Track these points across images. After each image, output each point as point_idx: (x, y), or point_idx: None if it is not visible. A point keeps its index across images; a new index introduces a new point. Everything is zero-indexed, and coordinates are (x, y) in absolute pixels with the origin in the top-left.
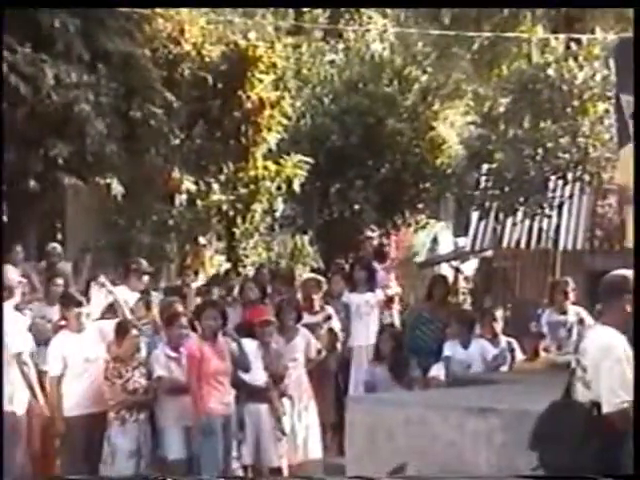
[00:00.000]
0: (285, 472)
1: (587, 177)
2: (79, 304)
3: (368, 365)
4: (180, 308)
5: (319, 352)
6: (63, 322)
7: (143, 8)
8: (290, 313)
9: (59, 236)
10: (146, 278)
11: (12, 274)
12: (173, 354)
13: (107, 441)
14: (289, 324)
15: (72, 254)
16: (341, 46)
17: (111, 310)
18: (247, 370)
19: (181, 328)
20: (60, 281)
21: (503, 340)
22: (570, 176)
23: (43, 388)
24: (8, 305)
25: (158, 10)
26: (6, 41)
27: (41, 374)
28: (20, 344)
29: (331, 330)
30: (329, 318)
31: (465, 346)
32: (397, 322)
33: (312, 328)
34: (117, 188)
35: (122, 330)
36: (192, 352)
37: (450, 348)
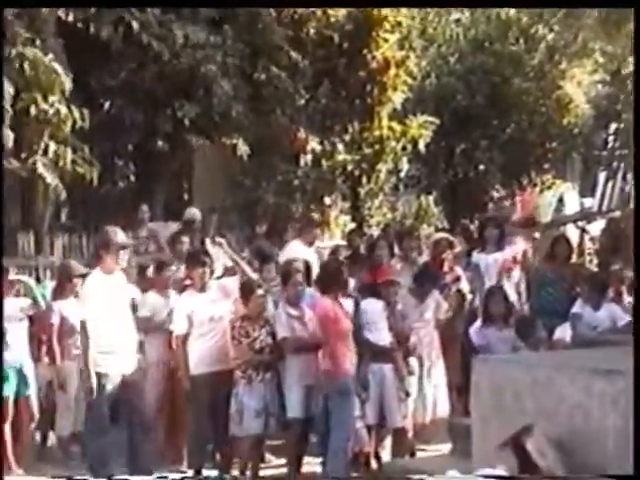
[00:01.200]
0: (410, 433)
1: None
2: (204, 264)
3: (479, 327)
4: (297, 266)
5: (446, 312)
6: (188, 281)
7: (143, 8)
8: (423, 274)
9: (186, 196)
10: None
11: (121, 235)
12: (294, 312)
13: (235, 400)
14: (420, 285)
15: (200, 213)
16: None
17: (232, 269)
18: (366, 330)
19: (297, 286)
20: (186, 239)
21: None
22: None
23: (170, 347)
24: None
25: None
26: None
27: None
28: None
29: (459, 291)
30: (458, 279)
31: (595, 309)
32: (523, 283)
33: (441, 288)
34: (243, 148)
35: (247, 289)
36: (326, 312)
37: (579, 309)
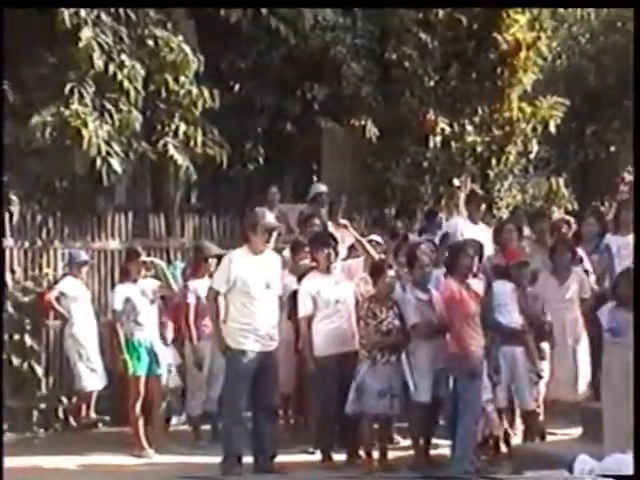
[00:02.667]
0: (541, 416)
1: None
2: (330, 246)
3: (610, 309)
4: (424, 248)
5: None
6: (313, 263)
7: (144, 8)
8: (563, 254)
9: (314, 178)
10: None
11: (270, 217)
12: (423, 296)
13: (356, 379)
14: (563, 265)
15: (328, 196)
16: None
17: (354, 251)
18: (497, 312)
19: (423, 268)
20: (317, 222)
21: None
22: None
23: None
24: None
25: None
26: None
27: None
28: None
29: (585, 272)
30: (581, 260)
31: None
32: None
33: None
34: (372, 130)
35: (377, 270)
36: (452, 294)
37: None
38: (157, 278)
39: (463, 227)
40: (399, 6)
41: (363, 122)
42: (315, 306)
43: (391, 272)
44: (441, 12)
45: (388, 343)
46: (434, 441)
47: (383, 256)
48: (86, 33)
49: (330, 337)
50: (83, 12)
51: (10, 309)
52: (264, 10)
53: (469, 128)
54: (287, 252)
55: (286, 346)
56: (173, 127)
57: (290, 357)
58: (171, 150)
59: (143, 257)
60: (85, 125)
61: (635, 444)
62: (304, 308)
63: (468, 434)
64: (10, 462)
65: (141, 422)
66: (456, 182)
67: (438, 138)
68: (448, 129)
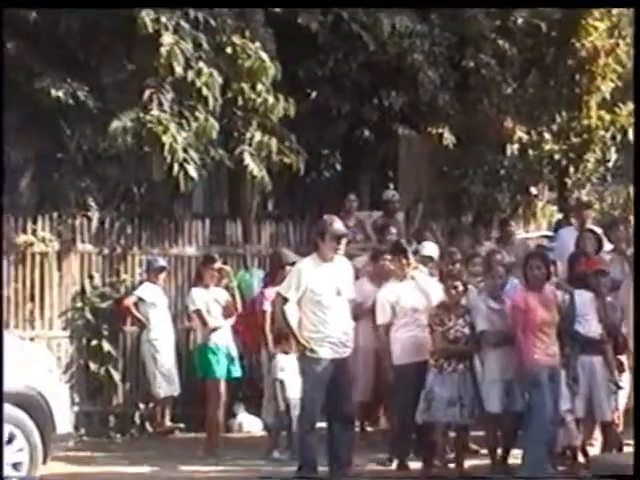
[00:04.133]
0: (620, 427)
1: None
2: (406, 254)
3: None
4: (499, 257)
5: None
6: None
7: (144, 8)
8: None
9: (391, 185)
10: None
11: (338, 224)
12: (495, 305)
13: (425, 388)
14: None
15: (404, 203)
16: None
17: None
18: (576, 322)
19: (498, 278)
20: (394, 230)
21: None
22: None
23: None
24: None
25: None
26: None
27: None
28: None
29: None
30: None
31: None
32: None
33: None
34: (449, 137)
35: (448, 277)
36: (516, 302)
37: None
38: (230, 284)
39: (569, 236)
40: (402, 6)
41: (440, 129)
42: (394, 314)
43: (459, 282)
44: (519, 19)
45: (455, 351)
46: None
47: (458, 265)
48: (167, 39)
49: (407, 345)
50: (164, 18)
51: (88, 315)
52: (345, 16)
53: (547, 136)
54: (363, 259)
55: (364, 354)
56: (249, 135)
57: (369, 365)
58: (247, 159)
59: (218, 264)
60: (165, 131)
61: (635, 444)
62: (382, 316)
63: (536, 444)
64: (87, 467)
65: (218, 426)
66: (533, 190)
67: (515, 146)
68: (526, 137)
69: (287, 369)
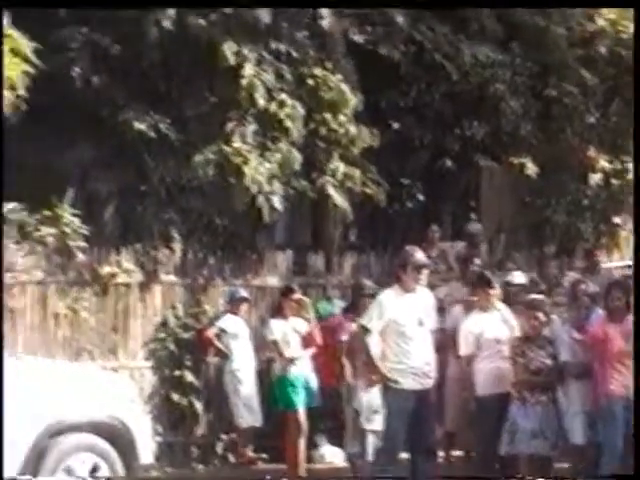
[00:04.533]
0: None
1: None
2: (491, 285)
3: None
4: (584, 287)
5: None
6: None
7: (144, 8)
8: None
9: (473, 216)
10: None
11: (420, 255)
12: (578, 336)
13: (508, 420)
14: None
15: (487, 234)
16: None
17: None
18: None
19: (582, 308)
20: (477, 261)
21: None
22: None
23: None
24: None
25: None
26: (427, 23)
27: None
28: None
29: None
30: None
31: None
32: None
33: None
34: (532, 168)
35: (532, 308)
36: (595, 333)
37: None
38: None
39: None
40: (398, 6)
41: (522, 159)
42: (477, 345)
43: (541, 312)
44: (602, 47)
45: (537, 382)
46: None
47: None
48: (248, 71)
49: (490, 377)
50: (245, 50)
51: (171, 345)
52: (427, 46)
53: (630, 165)
54: (445, 289)
55: (451, 384)
56: (332, 166)
57: (455, 395)
58: (330, 190)
59: (297, 295)
60: (246, 163)
61: (635, 444)
62: (466, 347)
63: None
64: None
65: (298, 457)
66: (617, 220)
67: (598, 175)
68: (609, 166)
69: (367, 400)
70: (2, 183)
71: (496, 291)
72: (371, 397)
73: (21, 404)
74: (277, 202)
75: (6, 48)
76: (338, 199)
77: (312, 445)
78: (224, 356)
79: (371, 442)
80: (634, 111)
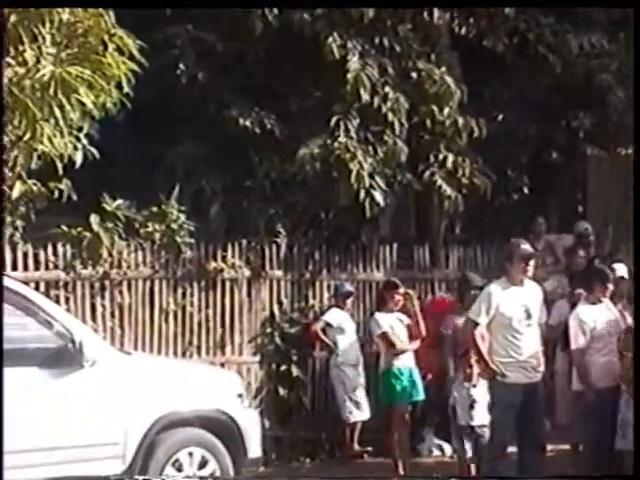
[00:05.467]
0: None
1: None
2: (609, 281)
3: None
4: None
5: None
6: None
7: (144, 8)
8: None
9: (580, 208)
10: None
11: (525, 246)
12: None
13: (620, 414)
14: None
15: (594, 227)
16: None
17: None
18: None
19: None
20: (582, 253)
21: None
22: None
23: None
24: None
25: None
26: (531, 12)
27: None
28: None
29: None
30: None
31: None
32: None
33: None
34: None
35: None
36: None
37: None
38: (407, 310)
39: None
40: (400, 6)
41: (630, 150)
42: (589, 338)
43: None
44: None
45: None
46: None
47: None
48: (353, 65)
49: (601, 370)
50: (350, 44)
51: (277, 340)
52: (531, 37)
53: None
54: (551, 282)
55: (559, 377)
56: (440, 158)
57: (564, 388)
58: (439, 181)
59: (402, 288)
60: (352, 158)
61: (635, 444)
62: (575, 339)
63: None
64: None
65: (402, 450)
66: None
67: None
68: None
69: (474, 394)
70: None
71: (612, 287)
72: (477, 391)
73: (131, 400)
74: (380, 197)
75: (111, 47)
76: (447, 191)
77: (419, 439)
78: (330, 350)
79: (473, 437)
80: (634, 111)
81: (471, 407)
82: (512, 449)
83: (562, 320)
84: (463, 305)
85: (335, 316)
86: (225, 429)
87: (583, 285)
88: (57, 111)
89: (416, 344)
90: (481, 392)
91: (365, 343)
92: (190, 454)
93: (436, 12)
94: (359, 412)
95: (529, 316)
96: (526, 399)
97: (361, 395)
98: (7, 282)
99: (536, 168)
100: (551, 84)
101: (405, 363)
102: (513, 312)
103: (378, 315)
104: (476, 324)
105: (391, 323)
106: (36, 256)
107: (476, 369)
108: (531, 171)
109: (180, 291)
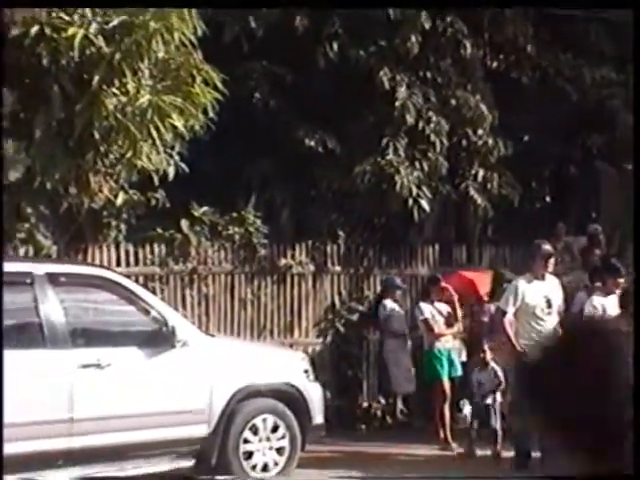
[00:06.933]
0: None
1: None
2: (620, 274)
3: None
4: None
5: None
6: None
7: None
8: None
9: (594, 214)
10: None
11: (547, 246)
12: None
13: None
14: None
15: (606, 229)
16: None
17: None
18: None
19: None
20: (597, 252)
21: None
22: None
23: None
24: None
25: None
26: (551, 50)
27: None
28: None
29: None
30: None
31: None
32: None
33: None
34: None
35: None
36: None
37: None
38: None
39: None
40: (401, 6)
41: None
42: None
43: None
44: None
45: None
46: None
47: None
48: (401, 94)
49: None
50: (398, 76)
51: (338, 325)
52: (551, 71)
53: None
54: (571, 277)
55: None
56: (473, 172)
57: None
58: (472, 192)
59: (442, 282)
60: (398, 172)
61: (635, 444)
62: None
63: None
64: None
65: (444, 419)
66: None
67: None
68: None
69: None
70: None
71: (622, 279)
72: (480, 375)
73: (215, 374)
74: (426, 204)
75: (199, 79)
76: (478, 200)
77: (457, 409)
78: (383, 333)
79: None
80: (634, 111)
81: (479, 387)
82: None
83: (580, 309)
84: (494, 296)
85: (387, 305)
86: (293, 400)
87: (599, 279)
88: (154, 133)
89: (454, 329)
90: (488, 376)
91: (411, 328)
92: (264, 420)
93: (469, 48)
94: (407, 385)
95: (550, 305)
96: None
97: (409, 371)
98: (113, 276)
99: (556, 181)
100: (568, 110)
101: (445, 345)
102: (536, 302)
103: (422, 304)
104: (505, 312)
105: (432, 311)
106: (136, 254)
107: (489, 355)
108: (552, 183)
109: (256, 284)
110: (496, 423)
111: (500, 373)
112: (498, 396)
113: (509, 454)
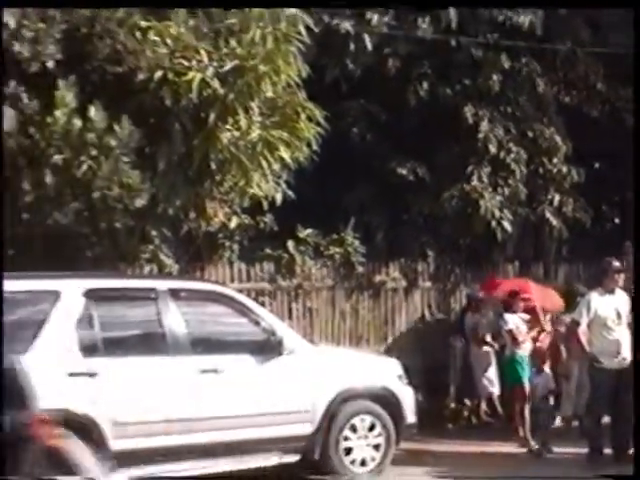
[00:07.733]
0: None
1: None
2: None
3: None
4: None
5: None
6: None
7: (144, 7)
8: None
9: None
10: None
11: (616, 263)
12: None
13: None
14: None
15: None
16: None
17: None
18: None
19: None
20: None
21: None
22: None
23: None
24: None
25: None
26: (616, 86)
27: None
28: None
29: None
30: None
31: None
32: None
33: None
34: None
35: None
36: None
37: None
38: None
39: None
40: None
41: None
42: None
43: None
44: None
45: None
46: None
47: None
48: (484, 127)
49: None
50: (481, 112)
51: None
52: (618, 105)
53: None
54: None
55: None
56: (549, 197)
57: None
58: (548, 215)
59: (522, 295)
60: (482, 197)
61: (635, 444)
62: None
63: None
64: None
65: (526, 422)
66: None
67: None
68: None
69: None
70: (2, 202)
71: None
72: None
73: (318, 379)
74: (508, 226)
75: (303, 116)
76: (554, 222)
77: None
78: (468, 341)
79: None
80: (634, 111)
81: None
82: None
83: None
84: (570, 309)
85: (467, 318)
86: (388, 401)
87: None
88: (263, 164)
89: (534, 336)
90: (543, 381)
91: (495, 337)
92: (362, 420)
93: (542, 85)
94: (492, 389)
95: (619, 317)
96: (617, 380)
97: (494, 375)
98: (227, 291)
99: (624, 204)
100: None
101: (526, 352)
102: (607, 314)
103: (506, 316)
104: (578, 323)
105: (516, 322)
106: (248, 272)
107: (547, 363)
108: (620, 207)
109: (354, 298)
110: (544, 422)
111: (551, 379)
112: (551, 400)
113: (583, 451)
